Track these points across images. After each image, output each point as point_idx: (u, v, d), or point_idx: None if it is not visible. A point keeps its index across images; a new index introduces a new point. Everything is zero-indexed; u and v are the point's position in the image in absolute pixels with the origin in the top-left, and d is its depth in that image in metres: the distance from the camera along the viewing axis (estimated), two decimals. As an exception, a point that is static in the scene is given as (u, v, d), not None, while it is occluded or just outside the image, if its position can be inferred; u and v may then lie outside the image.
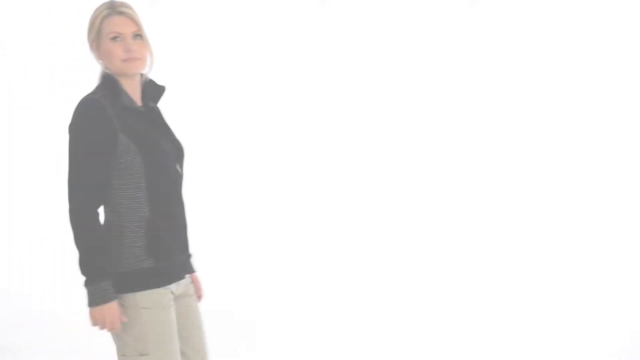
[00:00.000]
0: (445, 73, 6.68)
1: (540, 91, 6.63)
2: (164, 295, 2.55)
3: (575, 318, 5.42)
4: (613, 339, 5.07)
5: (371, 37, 6.70)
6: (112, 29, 2.51)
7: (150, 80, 2.63)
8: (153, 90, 2.62)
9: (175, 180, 2.57)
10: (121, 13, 2.52)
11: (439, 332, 5.17)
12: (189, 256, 2.67)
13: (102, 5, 2.54)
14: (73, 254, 2.56)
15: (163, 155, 2.53)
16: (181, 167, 2.61)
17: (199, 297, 2.77)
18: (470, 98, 6.68)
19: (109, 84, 2.53)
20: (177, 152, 2.60)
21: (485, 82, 6.66)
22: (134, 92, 2.58)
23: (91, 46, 2.58)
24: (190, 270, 2.68)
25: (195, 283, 2.74)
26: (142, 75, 2.61)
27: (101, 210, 2.54)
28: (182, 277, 2.62)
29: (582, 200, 6.53)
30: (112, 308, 2.52)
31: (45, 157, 6.97)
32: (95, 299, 2.53)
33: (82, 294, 2.58)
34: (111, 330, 2.57)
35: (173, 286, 2.58)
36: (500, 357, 4.79)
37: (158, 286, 2.54)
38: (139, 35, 2.54)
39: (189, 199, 2.76)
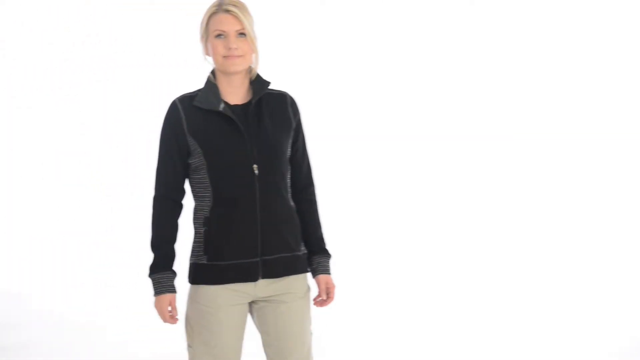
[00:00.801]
0: (445, 71, 6.68)
1: (541, 89, 6.63)
2: (215, 293, 2.61)
3: (576, 318, 5.42)
4: (613, 339, 5.07)
5: (370, 35, 6.70)
6: (216, 27, 2.57)
7: (258, 76, 2.67)
8: (258, 86, 2.65)
9: (246, 183, 2.56)
10: (227, 11, 2.56)
11: (442, 333, 5.17)
12: (287, 257, 2.65)
13: (214, 3, 2.61)
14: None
15: (229, 158, 2.56)
16: (263, 168, 2.58)
17: (323, 300, 2.76)
18: (470, 96, 6.68)
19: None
20: (260, 152, 2.58)
21: (485, 80, 6.66)
22: (235, 89, 2.63)
23: (201, 41, 2.65)
24: (272, 273, 2.62)
25: (320, 285, 2.74)
26: (251, 71, 2.65)
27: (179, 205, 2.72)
28: (249, 279, 2.60)
29: (582, 200, 6.52)
30: (161, 301, 2.64)
31: (45, 157, 6.96)
32: (154, 290, 2.68)
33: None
34: (165, 322, 2.67)
35: (244, 286, 2.61)
36: (500, 357, 4.79)
37: (208, 283, 2.62)
38: (243, 34, 2.57)
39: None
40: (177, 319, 2.68)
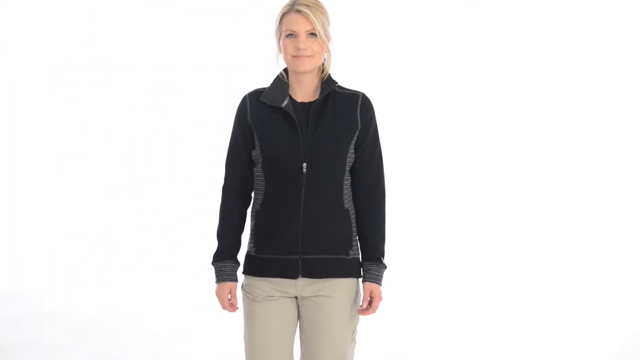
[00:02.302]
0: (444, 71, 6.68)
1: (541, 89, 6.63)
2: (256, 285, 2.66)
3: (576, 318, 5.42)
4: (613, 339, 5.07)
5: (369, 34, 6.70)
6: (287, 27, 2.59)
7: (328, 76, 2.68)
8: (326, 85, 2.65)
9: (294, 180, 2.58)
10: (298, 11, 2.58)
11: (443, 333, 5.17)
12: (328, 258, 2.63)
13: (288, 2, 2.63)
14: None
15: (280, 154, 2.59)
16: (312, 167, 2.58)
17: (364, 309, 2.68)
18: (469, 96, 6.68)
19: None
20: (312, 151, 2.58)
21: (486, 80, 6.65)
22: (304, 87, 2.65)
23: (275, 38, 2.68)
24: (312, 273, 2.62)
25: (364, 293, 2.67)
26: (323, 71, 2.67)
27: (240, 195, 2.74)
28: (289, 276, 2.62)
29: (583, 200, 6.52)
30: (221, 288, 2.69)
31: (45, 157, 6.96)
32: (215, 277, 2.71)
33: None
34: (224, 309, 2.71)
35: (284, 282, 2.63)
36: (500, 357, 4.79)
37: (251, 274, 2.68)
38: (314, 34, 2.58)
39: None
40: (236, 307, 2.71)
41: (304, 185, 2.59)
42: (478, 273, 6.14)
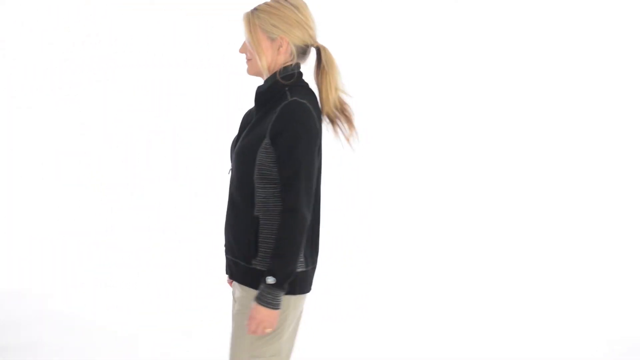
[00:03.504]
0: (434, 69, 6.68)
1: (536, 89, 6.63)
2: None
3: (575, 318, 5.43)
4: (610, 339, 5.07)
5: (361, 33, 6.70)
6: None
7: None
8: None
9: (229, 180, 2.62)
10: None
11: (439, 332, 5.17)
12: (231, 260, 2.62)
13: None
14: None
15: (230, 154, 2.64)
16: (232, 171, 2.58)
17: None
18: (461, 95, 6.69)
19: None
20: (232, 157, 2.61)
21: (477, 78, 6.66)
22: None
23: None
24: (233, 276, 2.61)
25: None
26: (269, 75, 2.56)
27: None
28: (227, 272, 2.69)
29: (582, 200, 6.53)
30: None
31: (45, 157, 6.97)
32: None
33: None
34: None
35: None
36: (500, 357, 4.79)
37: None
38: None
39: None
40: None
41: (231, 185, 2.60)
42: (476, 273, 6.14)
